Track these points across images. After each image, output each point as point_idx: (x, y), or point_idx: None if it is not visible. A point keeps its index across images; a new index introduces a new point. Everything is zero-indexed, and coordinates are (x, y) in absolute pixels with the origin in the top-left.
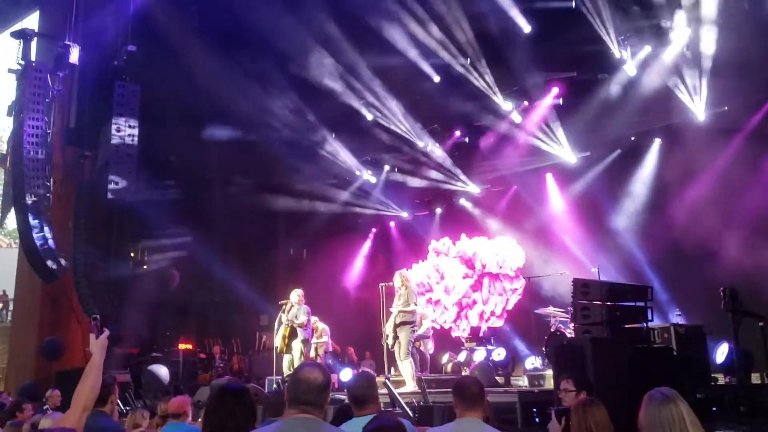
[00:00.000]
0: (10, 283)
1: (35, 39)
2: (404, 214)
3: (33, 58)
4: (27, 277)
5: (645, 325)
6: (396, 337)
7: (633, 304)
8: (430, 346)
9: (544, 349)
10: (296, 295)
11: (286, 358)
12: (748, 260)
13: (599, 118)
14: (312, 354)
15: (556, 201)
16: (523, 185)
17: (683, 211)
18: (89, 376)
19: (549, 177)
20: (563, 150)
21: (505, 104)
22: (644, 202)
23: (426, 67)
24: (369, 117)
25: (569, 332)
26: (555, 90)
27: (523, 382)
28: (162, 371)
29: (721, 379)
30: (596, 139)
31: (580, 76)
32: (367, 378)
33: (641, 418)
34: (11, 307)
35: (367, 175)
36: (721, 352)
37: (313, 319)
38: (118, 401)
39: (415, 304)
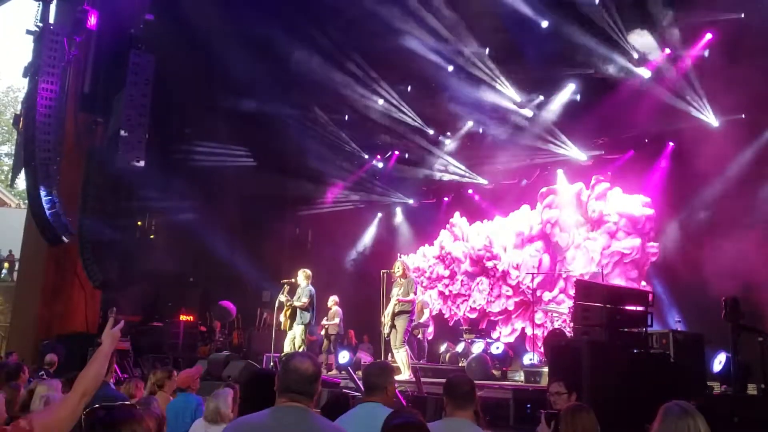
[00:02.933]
0: (17, 244)
1: (54, 2)
2: (411, 201)
3: (51, 21)
4: (33, 238)
5: (644, 330)
6: (393, 326)
7: (633, 308)
8: (430, 330)
9: (542, 346)
10: (303, 274)
11: (289, 335)
12: (756, 271)
13: (613, 117)
14: (322, 333)
15: (566, 197)
16: (534, 179)
17: (692, 216)
18: (94, 364)
19: (560, 173)
20: (573, 148)
21: (518, 96)
22: (653, 205)
23: (439, 57)
24: (380, 102)
25: (569, 331)
26: (572, 86)
27: (519, 377)
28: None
29: (717, 388)
30: (609, 138)
31: (598, 74)
32: (381, 366)
33: (655, 431)
34: (17, 267)
35: (376, 160)
36: (719, 361)
37: (331, 300)
38: (116, 369)
39: (414, 294)
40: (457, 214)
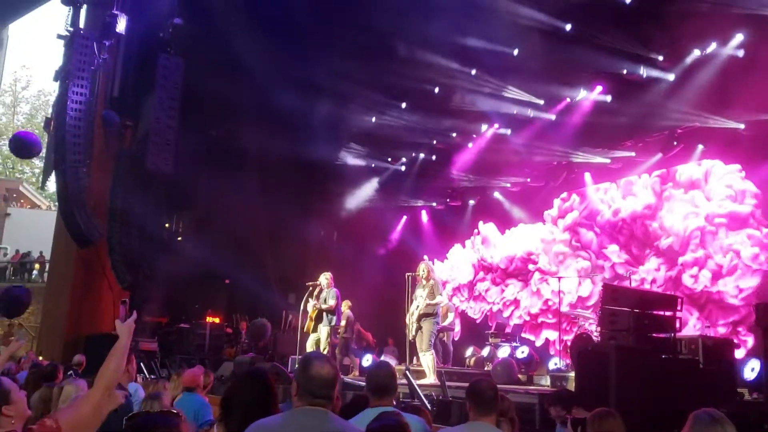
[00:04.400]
0: (48, 245)
1: (84, 7)
2: (434, 204)
3: (81, 25)
4: (63, 240)
5: (672, 335)
6: (419, 328)
7: (662, 313)
8: (457, 329)
9: (568, 351)
10: (325, 277)
11: (312, 338)
12: None
13: (642, 119)
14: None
15: (594, 200)
16: (561, 182)
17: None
18: (113, 358)
19: (587, 176)
20: (600, 150)
21: (543, 99)
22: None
23: (463, 59)
24: (403, 105)
25: (596, 335)
26: (599, 88)
27: (545, 381)
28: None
29: (747, 395)
30: (637, 140)
31: (625, 76)
32: (388, 368)
33: None
34: (47, 269)
35: (401, 163)
36: (751, 368)
37: (344, 304)
38: (144, 370)
39: (441, 295)
40: (480, 223)
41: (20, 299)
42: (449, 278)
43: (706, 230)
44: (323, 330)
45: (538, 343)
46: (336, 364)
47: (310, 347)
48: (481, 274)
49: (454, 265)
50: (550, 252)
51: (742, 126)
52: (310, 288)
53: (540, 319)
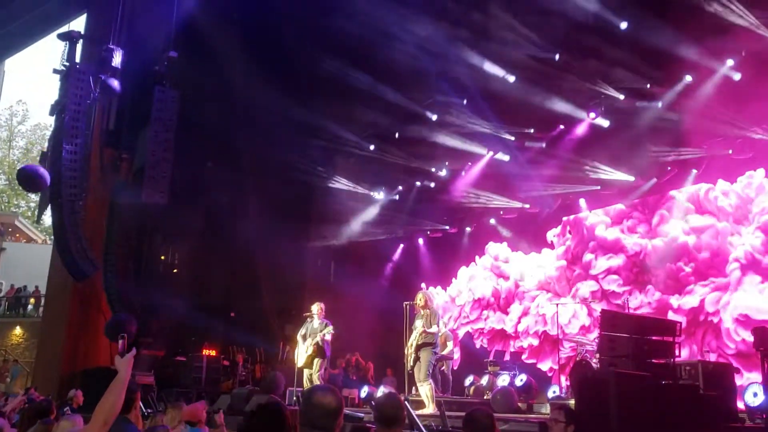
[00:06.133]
0: (43, 279)
1: (80, 41)
2: (428, 232)
3: (77, 60)
4: (59, 274)
5: (672, 360)
6: (417, 359)
7: (661, 338)
8: (456, 357)
9: (568, 377)
10: (317, 307)
11: (306, 372)
12: None
13: (635, 144)
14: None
15: (588, 226)
16: (555, 208)
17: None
18: (113, 392)
19: (582, 202)
20: (595, 176)
21: (537, 127)
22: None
23: (458, 85)
24: (396, 135)
25: (595, 362)
26: (592, 115)
27: (546, 409)
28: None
29: (748, 421)
30: (631, 166)
31: (617, 101)
32: (396, 399)
33: None
34: (42, 303)
35: (397, 191)
36: (753, 393)
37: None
38: (141, 404)
39: (437, 326)
40: (477, 257)
41: (122, 324)
42: (455, 296)
43: (701, 258)
44: (316, 362)
45: (541, 367)
46: (341, 395)
47: (307, 381)
48: (484, 298)
49: (459, 290)
50: (548, 279)
51: (729, 151)
52: (308, 319)
53: (539, 346)
